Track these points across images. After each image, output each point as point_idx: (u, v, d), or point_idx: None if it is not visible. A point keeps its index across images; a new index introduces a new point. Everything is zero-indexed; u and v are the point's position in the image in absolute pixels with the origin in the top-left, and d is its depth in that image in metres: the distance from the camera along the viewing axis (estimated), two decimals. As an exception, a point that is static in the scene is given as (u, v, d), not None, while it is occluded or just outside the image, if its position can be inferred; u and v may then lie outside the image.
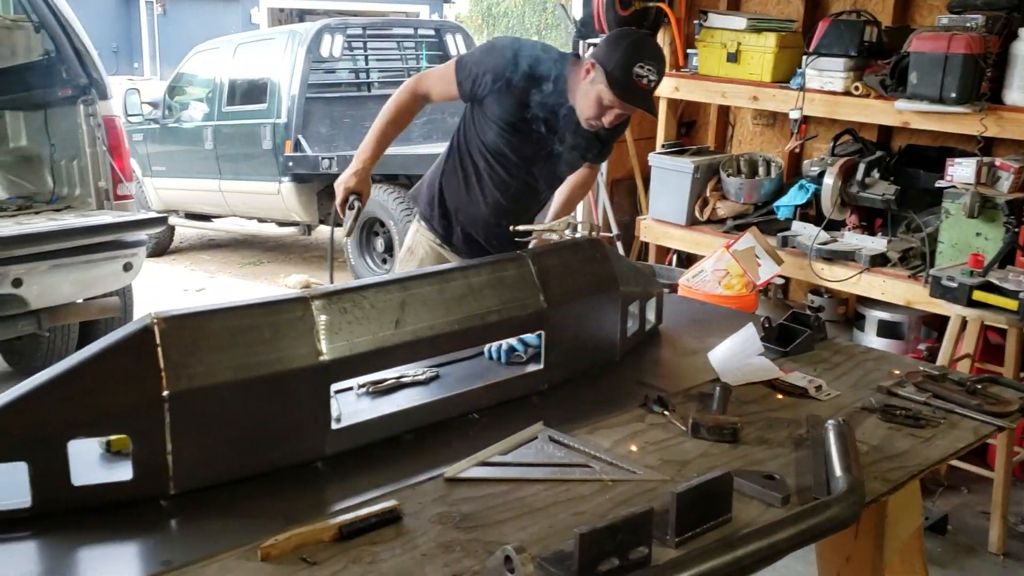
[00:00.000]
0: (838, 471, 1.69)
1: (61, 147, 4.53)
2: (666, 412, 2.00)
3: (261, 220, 8.39)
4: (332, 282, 2.91)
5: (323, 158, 6.94)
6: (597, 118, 2.46)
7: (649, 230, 4.53)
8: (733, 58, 4.12)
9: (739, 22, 4.13)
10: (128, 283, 4.21)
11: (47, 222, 3.83)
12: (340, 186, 2.57)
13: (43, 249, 3.74)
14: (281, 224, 8.11)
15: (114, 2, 24.39)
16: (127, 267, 4.08)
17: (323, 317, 1.77)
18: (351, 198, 2.56)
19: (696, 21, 4.36)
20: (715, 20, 4.22)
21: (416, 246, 2.85)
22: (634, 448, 1.85)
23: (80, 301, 4.14)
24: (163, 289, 6.89)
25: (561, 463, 1.78)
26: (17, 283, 3.74)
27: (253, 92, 7.66)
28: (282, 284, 7.34)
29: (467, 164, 2.69)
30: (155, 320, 1.61)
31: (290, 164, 7.20)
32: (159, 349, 1.59)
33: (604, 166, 4.74)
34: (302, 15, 27.38)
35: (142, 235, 4.11)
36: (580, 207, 4.51)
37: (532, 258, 2.09)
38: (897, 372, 2.30)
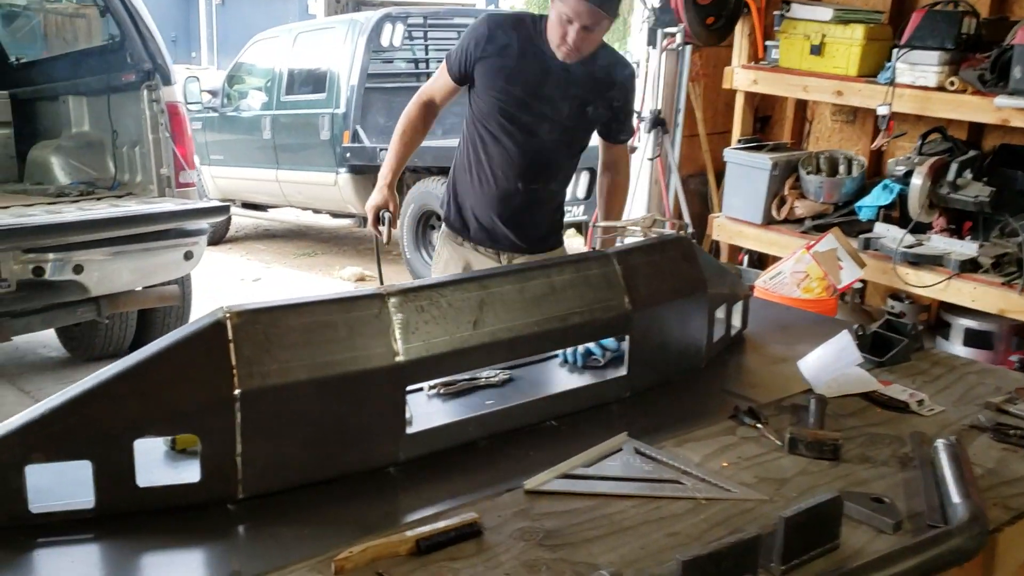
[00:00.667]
0: (955, 497, 1.55)
1: (124, 133, 4.51)
2: (758, 425, 1.87)
3: (316, 211, 8.39)
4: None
5: (381, 149, 6.87)
6: (563, 40, 2.44)
7: (722, 228, 4.37)
8: (817, 51, 3.94)
9: (825, 13, 3.95)
10: (188, 272, 4.18)
11: (109, 208, 3.80)
12: (368, 209, 2.69)
13: (104, 236, 3.71)
14: (335, 215, 8.09)
15: (175, -7, 24.73)
16: (188, 256, 4.05)
17: (399, 315, 1.67)
18: (381, 213, 2.66)
19: (777, 12, 4.19)
20: (798, 11, 4.05)
21: (441, 247, 2.86)
22: (726, 463, 1.73)
23: (140, 289, 4.11)
24: (219, 278, 6.89)
25: (649, 478, 1.66)
26: (78, 269, 3.72)
27: (312, 82, 7.63)
28: (336, 276, 7.31)
29: (471, 148, 2.68)
30: (227, 314, 1.53)
31: (347, 155, 7.15)
32: (231, 345, 1.51)
33: (675, 159, 4.58)
34: (358, 5, 27.56)
35: (203, 224, 4.07)
36: (647, 198, 4.39)
37: (617, 257, 1.97)
38: (1001, 387, 2.14)
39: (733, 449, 1.79)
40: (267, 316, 1.57)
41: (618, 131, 2.77)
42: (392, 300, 1.68)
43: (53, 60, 5.54)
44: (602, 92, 2.61)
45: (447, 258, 2.83)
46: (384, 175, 2.72)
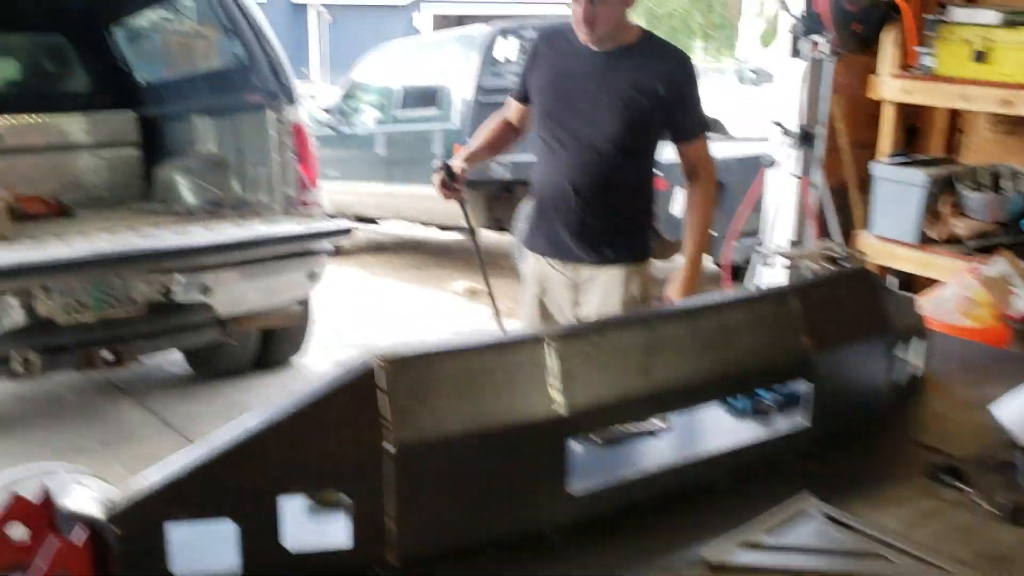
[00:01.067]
0: None
1: (249, 152, 4.52)
2: (963, 486, 1.63)
3: (425, 224, 8.40)
4: (492, 300, 2.98)
5: (495, 164, 6.78)
6: (578, 20, 2.47)
7: (871, 248, 4.06)
8: (981, 57, 3.62)
9: (990, 16, 3.63)
10: (312, 291, 4.14)
11: (236, 230, 3.79)
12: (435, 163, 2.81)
13: (232, 258, 3.70)
14: (445, 228, 8.08)
15: (286, 12, 25.44)
16: (312, 276, 4.01)
17: (560, 361, 1.51)
18: (440, 171, 2.69)
19: (931, 16, 3.87)
20: (958, 15, 3.73)
21: (524, 258, 2.92)
22: (932, 534, 1.50)
23: (264, 309, 4.09)
24: (334, 292, 6.90)
25: (847, 550, 1.45)
26: (205, 291, 3.72)
27: (425, 97, 7.62)
28: (449, 290, 7.25)
29: (536, 159, 2.73)
30: (378, 361, 1.40)
31: (461, 169, 7.08)
32: (383, 395, 1.37)
33: (821, 175, 4.26)
34: (461, 20, 27.90)
35: (327, 244, 4.03)
36: (794, 217, 4.10)
37: (796, 294, 1.76)
38: None
39: (937, 516, 1.56)
40: (420, 363, 1.44)
41: (681, 127, 2.63)
42: (552, 344, 1.52)
43: (180, 81, 5.64)
44: (646, 85, 2.53)
45: (527, 271, 2.86)
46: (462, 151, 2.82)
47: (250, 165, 4.50)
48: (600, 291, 2.68)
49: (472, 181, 6.91)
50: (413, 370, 1.42)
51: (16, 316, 3.38)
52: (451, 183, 2.70)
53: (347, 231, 3.98)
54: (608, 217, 2.66)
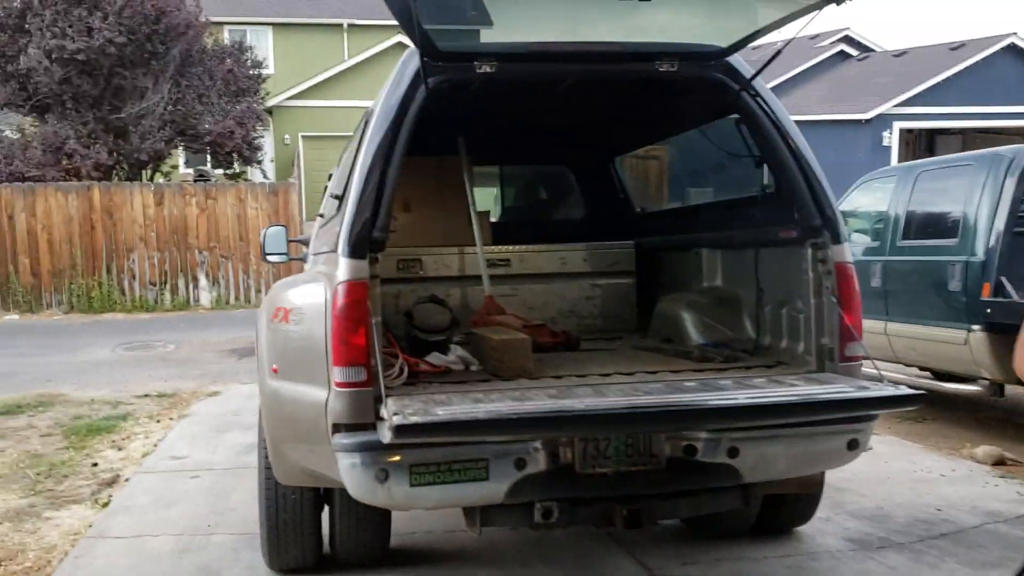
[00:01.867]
0: None
1: (770, 292, 4.04)
2: None
3: (925, 369, 7.38)
4: None
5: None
6: None
7: None
8: None
9: None
10: (850, 462, 3.47)
11: (775, 388, 3.25)
12: None
13: (769, 421, 3.20)
14: (950, 378, 7.04)
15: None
16: (852, 444, 3.36)
17: None
18: None
19: None
20: None
21: None
22: None
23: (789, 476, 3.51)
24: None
25: None
26: (732, 452, 3.25)
27: (938, 225, 6.71)
28: (966, 455, 6.08)
29: None
30: None
31: (987, 310, 6.02)
32: None
33: None
34: (932, 135, 25.78)
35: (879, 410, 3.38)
36: None
37: None
38: None
39: None
40: None
41: None
42: None
43: (684, 210, 5.45)
44: None
45: None
46: None
47: (771, 306, 4.01)
48: None
49: (1002, 324, 5.90)
50: None
51: (540, 462, 3.19)
52: None
53: (919, 398, 3.22)
54: None
